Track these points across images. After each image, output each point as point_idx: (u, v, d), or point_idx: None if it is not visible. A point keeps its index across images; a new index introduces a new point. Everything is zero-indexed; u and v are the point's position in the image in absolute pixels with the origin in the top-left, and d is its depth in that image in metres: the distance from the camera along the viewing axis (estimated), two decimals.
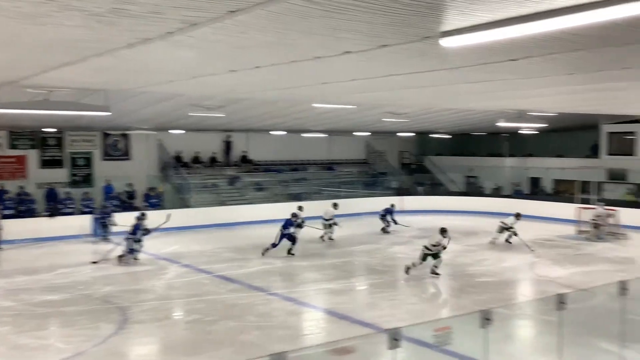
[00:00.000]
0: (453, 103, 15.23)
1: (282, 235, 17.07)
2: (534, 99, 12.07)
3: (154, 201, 23.25)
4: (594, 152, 28.81)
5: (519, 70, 6.87)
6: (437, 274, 14.60)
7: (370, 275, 15.57)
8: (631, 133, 27.08)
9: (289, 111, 19.81)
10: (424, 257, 14.61)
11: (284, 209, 24.88)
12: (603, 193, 25.58)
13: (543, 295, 12.38)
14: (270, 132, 27.14)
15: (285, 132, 27.13)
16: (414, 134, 32.06)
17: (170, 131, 24.62)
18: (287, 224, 17.31)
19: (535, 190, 30.15)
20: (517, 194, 29.35)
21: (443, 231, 14.75)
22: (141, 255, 16.35)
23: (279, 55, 5.88)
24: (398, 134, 30.81)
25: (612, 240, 20.05)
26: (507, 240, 19.16)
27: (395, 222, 21.91)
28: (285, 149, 29.29)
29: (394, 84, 8.65)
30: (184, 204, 24.31)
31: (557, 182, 29.49)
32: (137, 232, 16.23)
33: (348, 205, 26.49)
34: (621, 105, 14.73)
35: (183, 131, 24.69)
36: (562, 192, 28.66)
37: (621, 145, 27.72)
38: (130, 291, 13.25)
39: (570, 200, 25.02)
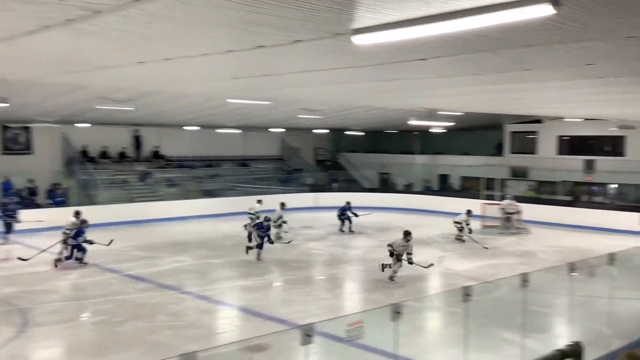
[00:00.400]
0: (366, 101, 15.46)
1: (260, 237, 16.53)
2: (443, 99, 12.44)
3: (59, 199, 22.18)
4: (498, 151, 30.21)
5: (428, 69, 7.04)
6: (393, 279, 13.71)
7: (284, 271, 15.56)
8: (532, 133, 28.60)
9: (203, 106, 19.45)
10: (398, 258, 13.77)
11: (198, 206, 24.59)
12: (506, 190, 26.86)
13: (450, 288, 12.82)
14: (184, 127, 26.56)
15: (198, 128, 26.64)
16: (328, 131, 32.36)
17: (76, 124, 23.53)
18: (259, 227, 16.73)
19: (444, 187, 31.22)
20: (427, 190, 30.31)
21: (406, 234, 13.79)
22: (44, 255, 15.52)
23: (190, 48, 5.72)
24: (313, 130, 31.00)
25: (516, 235, 21.07)
26: (457, 237, 19.47)
27: (356, 215, 21.61)
28: (199, 145, 28.77)
29: (307, 81, 8.66)
30: (90, 200, 23.29)
31: (464, 179, 30.67)
32: (80, 237, 15.06)
33: (263, 201, 26.43)
34: (524, 105, 15.46)
35: (89, 125, 23.68)
36: (468, 188, 29.82)
37: (523, 144, 29.24)
38: (32, 292, 12.56)
39: (476, 196, 26.08)
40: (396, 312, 6.44)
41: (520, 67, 6.80)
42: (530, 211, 22.49)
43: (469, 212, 19.65)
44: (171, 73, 7.91)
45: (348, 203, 21.86)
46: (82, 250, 15.16)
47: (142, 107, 18.15)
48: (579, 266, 8.83)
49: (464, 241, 19.28)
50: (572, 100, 12.52)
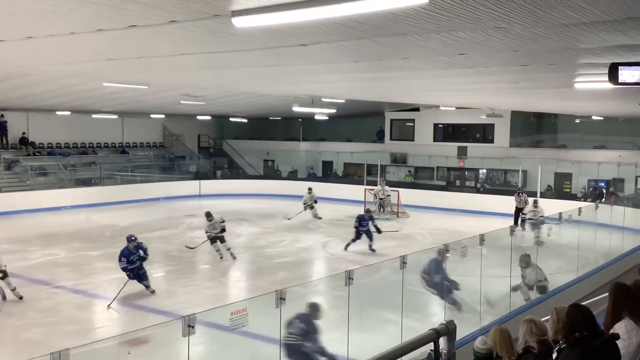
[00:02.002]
0: (248, 86, 15.31)
1: (360, 232, 16.18)
2: (324, 85, 12.58)
3: None
4: (379, 138, 31.18)
5: (309, 55, 7.05)
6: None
7: (166, 261, 15.12)
8: (410, 120, 29.77)
9: (76, 89, 18.38)
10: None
11: (71, 195, 23.31)
12: (387, 175, 27.80)
13: (334, 272, 13.04)
14: (55, 112, 24.98)
15: (71, 112, 25.16)
16: (212, 117, 31.82)
17: None
18: (361, 219, 16.26)
19: (327, 173, 31.76)
20: (311, 177, 30.69)
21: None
22: None
23: (56, 26, 5.31)
24: (197, 117, 30.33)
25: (394, 219, 21.85)
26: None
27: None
28: (73, 131, 27.25)
29: (186, 64, 8.39)
30: None
31: (347, 165, 31.40)
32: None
33: (143, 190, 25.61)
34: (402, 93, 16.00)
35: None
36: (351, 174, 30.58)
37: (402, 131, 30.40)
38: None
39: (359, 182, 26.77)
40: (281, 298, 6.44)
41: (398, 55, 6.96)
42: (408, 196, 23.43)
43: (535, 203, 17.62)
44: (36, 53, 7.35)
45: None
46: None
47: (7, 89, 16.87)
48: (452, 247, 9.29)
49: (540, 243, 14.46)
50: (447, 89, 13.11)
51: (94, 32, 5.37)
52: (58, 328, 9.80)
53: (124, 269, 11.62)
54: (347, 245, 16.12)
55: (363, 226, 16.15)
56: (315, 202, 21.75)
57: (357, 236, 16.12)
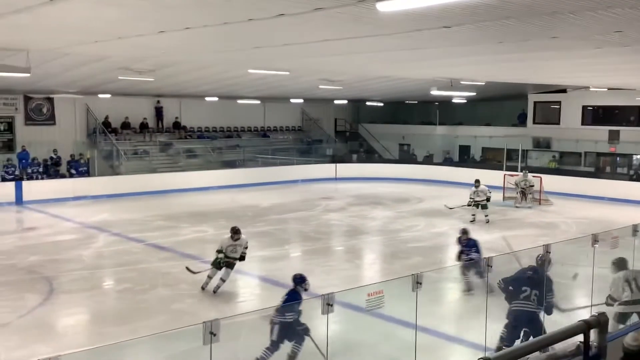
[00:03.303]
0: (387, 71, 15.30)
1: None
2: (465, 67, 12.27)
3: (82, 169, 22.48)
4: (521, 121, 29.80)
5: (451, 37, 6.92)
6: None
7: (304, 242, 15.62)
8: (556, 103, 28.11)
9: (223, 76, 19.42)
10: None
11: (218, 176, 24.74)
12: (528, 161, 26.55)
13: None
14: (204, 98, 26.58)
15: (219, 98, 26.65)
16: (348, 102, 32.18)
17: (98, 95, 23.66)
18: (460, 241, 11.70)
19: (464, 158, 30.97)
20: (448, 162, 30.10)
21: None
22: (68, 224, 15.72)
23: (211, 17, 5.67)
24: (333, 101, 30.84)
25: (536, 206, 20.86)
26: None
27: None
28: (219, 116, 28.79)
29: (328, 50, 8.57)
30: (113, 171, 23.59)
31: (485, 150, 30.38)
32: None
33: (282, 172, 26.56)
34: (548, 74, 15.19)
35: (111, 95, 23.77)
36: (490, 159, 29.55)
37: (546, 115, 28.78)
38: (56, 261, 12.79)
39: (498, 167, 25.81)
40: (417, 282, 6.45)
41: (546, 35, 6.65)
42: (552, 183, 22.23)
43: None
44: (192, 43, 7.88)
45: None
46: None
47: (162, 77, 18.18)
48: (602, 237, 8.73)
49: None
50: (598, 69, 12.26)
51: (245, 22, 5.66)
52: (205, 300, 10.38)
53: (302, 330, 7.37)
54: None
55: (465, 254, 11.43)
56: (488, 200, 17.83)
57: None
